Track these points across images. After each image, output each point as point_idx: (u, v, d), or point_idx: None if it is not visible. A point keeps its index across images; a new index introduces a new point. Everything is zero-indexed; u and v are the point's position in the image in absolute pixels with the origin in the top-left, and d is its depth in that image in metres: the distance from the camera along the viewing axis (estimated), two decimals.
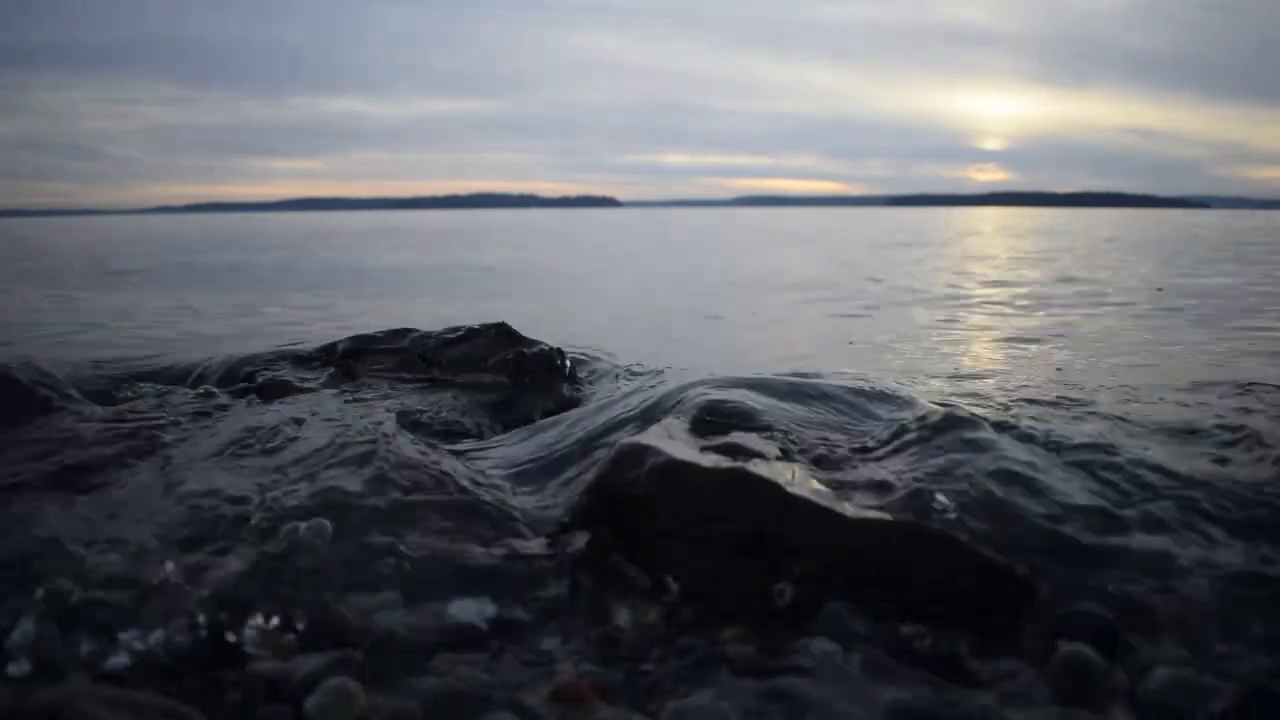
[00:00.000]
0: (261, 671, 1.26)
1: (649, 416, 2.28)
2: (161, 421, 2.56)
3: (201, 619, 1.38)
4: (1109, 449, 2.00)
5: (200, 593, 1.47)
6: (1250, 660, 1.29)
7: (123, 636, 1.35)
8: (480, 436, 2.69)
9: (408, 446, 2.41)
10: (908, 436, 2.07)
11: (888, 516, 1.56)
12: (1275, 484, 1.85)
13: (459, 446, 2.49)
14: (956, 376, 3.84)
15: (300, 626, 1.40)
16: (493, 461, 2.35)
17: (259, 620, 1.40)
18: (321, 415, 2.63)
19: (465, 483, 2.16)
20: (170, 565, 1.56)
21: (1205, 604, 1.45)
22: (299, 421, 2.54)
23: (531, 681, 1.26)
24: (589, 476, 1.98)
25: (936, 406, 2.28)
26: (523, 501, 2.02)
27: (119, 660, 1.29)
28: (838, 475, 1.86)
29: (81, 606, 1.41)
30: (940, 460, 1.91)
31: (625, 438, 1.81)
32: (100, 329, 5.68)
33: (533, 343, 3.20)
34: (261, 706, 1.18)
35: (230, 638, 1.35)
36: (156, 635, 1.35)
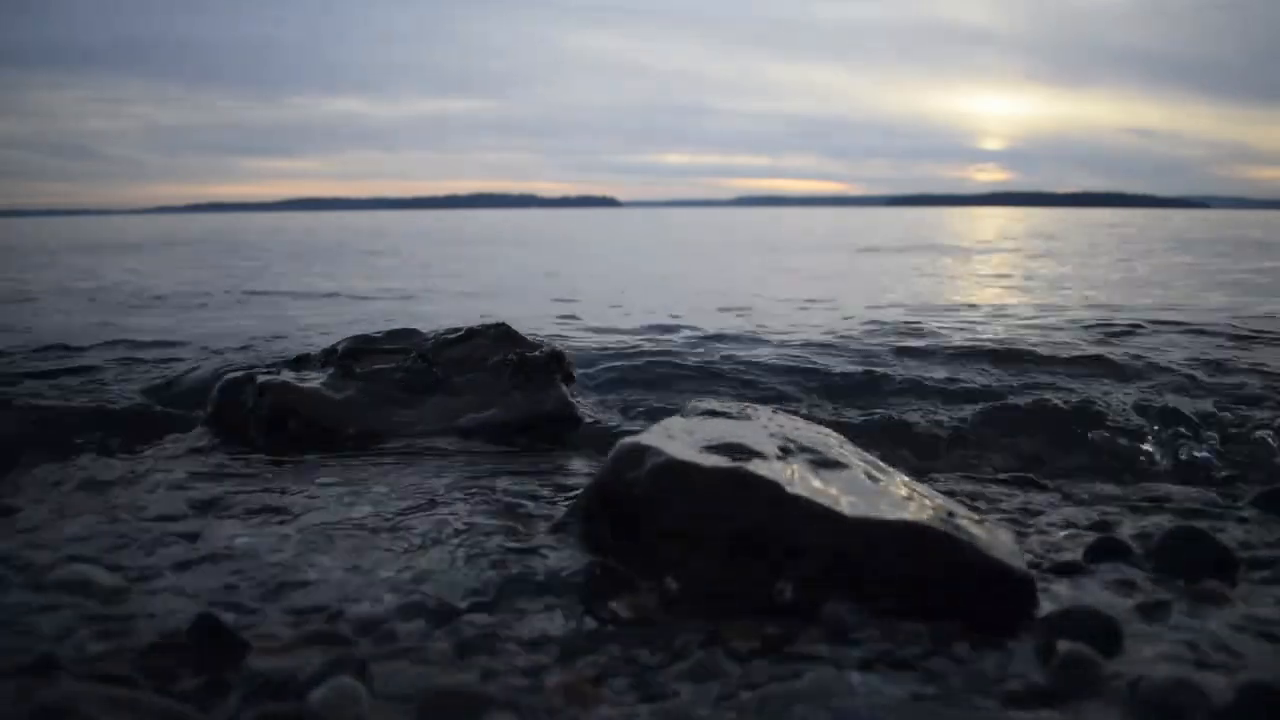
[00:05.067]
0: (262, 670, 1.26)
1: None
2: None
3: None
4: None
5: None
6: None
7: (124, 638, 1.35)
8: (480, 439, 2.70)
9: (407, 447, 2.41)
10: None
11: (888, 516, 1.56)
12: None
13: (459, 452, 2.49)
14: None
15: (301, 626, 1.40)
16: (492, 464, 2.35)
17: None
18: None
19: (467, 483, 2.16)
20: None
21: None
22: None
23: (532, 681, 1.26)
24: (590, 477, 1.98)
25: None
26: (523, 502, 2.02)
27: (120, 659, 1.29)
28: None
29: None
30: None
31: (626, 438, 1.81)
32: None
33: (533, 344, 3.20)
34: (262, 706, 1.18)
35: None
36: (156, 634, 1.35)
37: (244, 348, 4.33)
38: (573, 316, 5.86)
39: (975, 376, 3.61)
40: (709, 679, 1.26)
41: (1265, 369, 3.70)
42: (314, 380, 3.04)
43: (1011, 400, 3.19)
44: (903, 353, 4.11)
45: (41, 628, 1.38)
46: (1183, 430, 2.76)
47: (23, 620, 1.41)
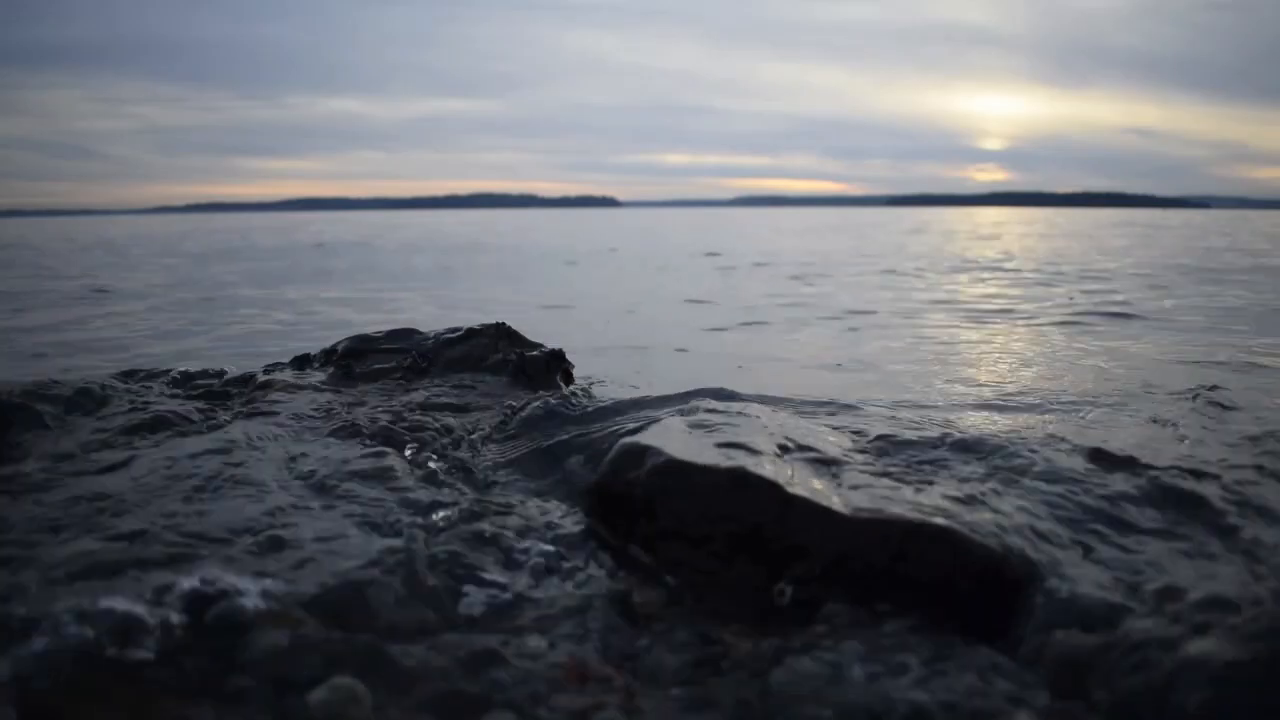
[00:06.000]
0: (262, 665, 1.26)
1: None
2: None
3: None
4: None
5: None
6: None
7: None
8: (481, 437, 2.70)
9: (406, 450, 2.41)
10: None
11: (888, 514, 1.56)
12: None
13: (459, 451, 2.49)
14: None
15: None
16: (493, 463, 2.35)
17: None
18: (324, 426, 2.63)
19: (466, 485, 2.16)
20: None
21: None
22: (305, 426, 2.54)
23: (531, 680, 1.26)
24: (590, 476, 1.98)
25: None
26: (523, 502, 2.03)
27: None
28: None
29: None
30: None
31: (626, 437, 1.82)
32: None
33: (533, 344, 3.20)
34: (262, 703, 1.18)
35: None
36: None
37: None
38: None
39: None
40: (709, 676, 1.26)
41: None
42: (314, 379, 3.04)
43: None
44: None
45: (42, 612, 1.38)
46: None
47: (20, 604, 1.41)
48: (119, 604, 1.34)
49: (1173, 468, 1.90)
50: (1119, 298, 7.68)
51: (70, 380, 2.79)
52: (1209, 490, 1.81)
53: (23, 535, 1.72)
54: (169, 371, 3.18)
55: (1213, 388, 3.11)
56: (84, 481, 2.06)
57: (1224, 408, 2.83)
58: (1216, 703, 1.13)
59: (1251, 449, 2.15)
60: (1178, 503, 1.77)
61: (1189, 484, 1.83)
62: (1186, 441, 2.30)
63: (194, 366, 3.25)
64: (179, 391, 2.97)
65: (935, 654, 1.31)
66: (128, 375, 3.11)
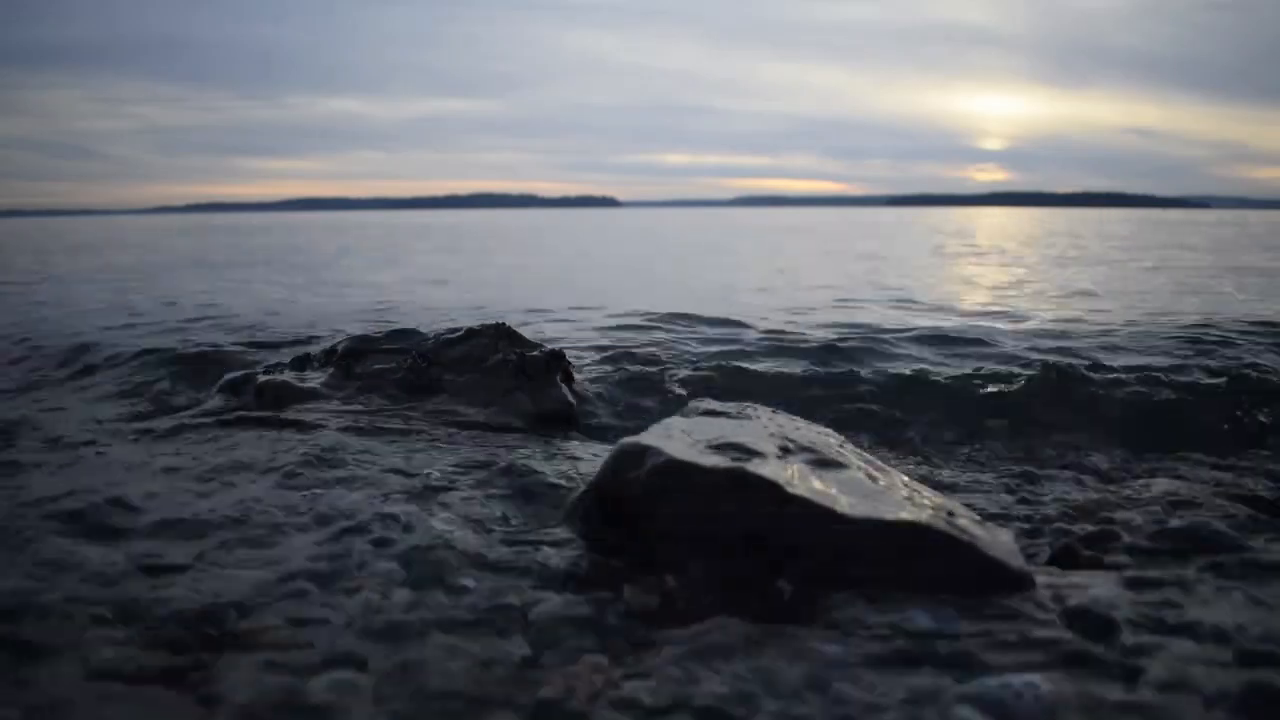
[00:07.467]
0: (262, 656, 1.27)
1: None
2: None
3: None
4: None
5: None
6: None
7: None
8: (480, 437, 2.70)
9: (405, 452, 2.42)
10: None
11: (888, 516, 1.56)
12: None
13: (458, 449, 2.50)
14: None
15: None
16: (491, 462, 2.35)
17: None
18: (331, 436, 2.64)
19: (465, 482, 2.16)
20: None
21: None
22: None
23: (529, 675, 1.26)
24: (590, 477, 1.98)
25: None
26: (522, 501, 2.03)
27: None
28: None
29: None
30: None
31: (627, 437, 1.82)
32: None
33: (533, 344, 3.20)
34: (261, 693, 1.18)
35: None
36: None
37: None
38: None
39: None
40: (708, 671, 1.26)
41: None
42: (314, 380, 3.04)
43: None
44: None
45: (40, 605, 1.38)
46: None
47: (19, 597, 1.41)
48: None
49: None
50: None
51: None
52: None
53: None
54: None
55: None
56: None
57: None
58: None
59: None
60: None
61: None
62: None
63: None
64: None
65: (933, 648, 1.31)
66: None
